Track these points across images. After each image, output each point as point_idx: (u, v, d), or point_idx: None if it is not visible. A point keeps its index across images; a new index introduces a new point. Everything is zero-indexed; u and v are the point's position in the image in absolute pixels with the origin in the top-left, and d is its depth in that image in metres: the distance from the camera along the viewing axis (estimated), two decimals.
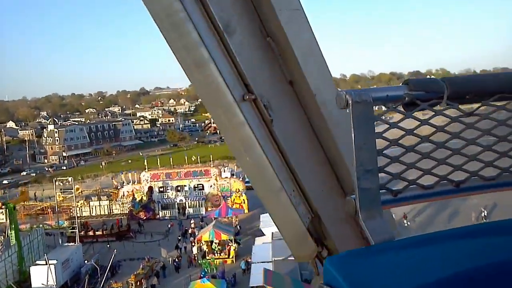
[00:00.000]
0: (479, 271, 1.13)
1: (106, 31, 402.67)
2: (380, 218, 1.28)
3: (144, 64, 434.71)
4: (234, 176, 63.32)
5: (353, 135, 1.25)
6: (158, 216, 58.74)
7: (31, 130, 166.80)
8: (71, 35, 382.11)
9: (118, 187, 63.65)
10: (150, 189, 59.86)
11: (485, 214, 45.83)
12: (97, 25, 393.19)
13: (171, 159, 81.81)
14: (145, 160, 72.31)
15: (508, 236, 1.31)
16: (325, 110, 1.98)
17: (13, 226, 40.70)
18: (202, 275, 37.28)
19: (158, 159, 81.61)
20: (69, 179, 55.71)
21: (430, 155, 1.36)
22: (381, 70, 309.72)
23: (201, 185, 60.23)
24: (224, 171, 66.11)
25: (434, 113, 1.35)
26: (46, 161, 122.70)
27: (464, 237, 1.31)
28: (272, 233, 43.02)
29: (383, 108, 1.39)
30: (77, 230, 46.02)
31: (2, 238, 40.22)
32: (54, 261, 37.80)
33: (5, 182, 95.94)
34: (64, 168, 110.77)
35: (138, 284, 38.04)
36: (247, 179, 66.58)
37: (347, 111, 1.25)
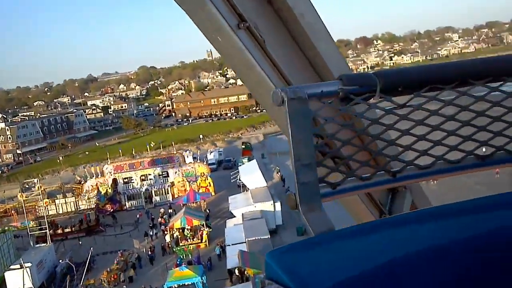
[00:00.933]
0: (408, 260, 1.19)
1: (46, 18, 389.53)
2: (320, 210, 1.34)
3: (89, 50, 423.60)
4: (198, 160, 63.88)
5: (289, 131, 1.32)
6: (125, 207, 58.86)
7: None
8: (8, 25, 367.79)
9: (82, 182, 63.18)
10: (114, 181, 59.80)
11: None
12: (36, 12, 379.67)
13: (133, 149, 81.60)
14: (107, 153, 71.86)
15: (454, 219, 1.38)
16: (303, 21, 2.36)
17: None
18: (178, 263, 38.11)
19: (120, 150, 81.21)
20: (35, 180, 54.92)
21: (367, 147, 1.45)
22: None
23: (165, 172, 60.56)
24: (187, 157, 66.57)
25: (368, 106, 1.43)
26: (0, 160, 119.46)
27: (405, 224, 1.38)
28: (242, 214, 44.24)
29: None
30: (47, 230, 45.79)
31: None
32: (29, 264, 37.78)
33: None
34: (21, 165, 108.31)
35: (112, 279, 38.56)
36: (209, 162, 67.32)
37: (284, 108, 1.31)
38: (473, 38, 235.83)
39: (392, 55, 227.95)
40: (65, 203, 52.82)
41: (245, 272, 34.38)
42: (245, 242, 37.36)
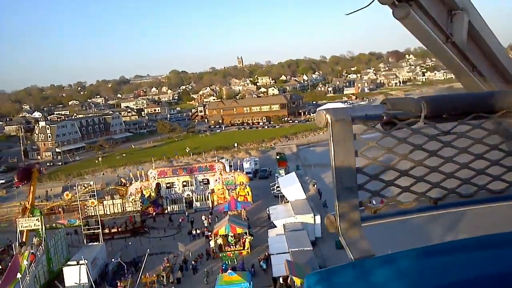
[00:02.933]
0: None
1: (80, 20, 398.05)
2: (360, 235, 1.33)
3: (122, 52, 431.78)
4: (234, 169, 66.13)
5: (332, 153, 1.31)
6: (166, 210, 61.41)
7: (17, 126, 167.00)
8: (45, 26, 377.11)
9: (126, 184, 66.04)
10: (158, 185, 62.47)
11: None
12: (70, 14, 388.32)
13: (176, 155, 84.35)
14: (152, 159, 74.80)
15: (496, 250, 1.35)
16: (489, 40, 2.45)
17: (42, 229, 43.08)
18: (223, 267, 40.28)
19: (164, 156, 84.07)
20: (91, 183, 57.95)
21: (408, 173, 1.43)
22: (360, 51, 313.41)
23: (206, 180, 63.04)
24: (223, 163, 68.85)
25: (412, 131, 1.41)
26: (39, 157, 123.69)
27: (442, 253, 1.36)
28: (284, 224, 46.30)
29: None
30: (100, 229, 48.49)
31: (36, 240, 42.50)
32: (85, 261, 40.44)
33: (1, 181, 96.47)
34: (60, 164, 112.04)
35: (162, 279, 40.95)
36: (246, 172, 69.30)
37: (328, 129, 1.31)
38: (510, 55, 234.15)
39: (425, 70, 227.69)
40: (113, 204, 55.51)
41: (288, 281, 36.45)
42: (289, 253, 39.29)
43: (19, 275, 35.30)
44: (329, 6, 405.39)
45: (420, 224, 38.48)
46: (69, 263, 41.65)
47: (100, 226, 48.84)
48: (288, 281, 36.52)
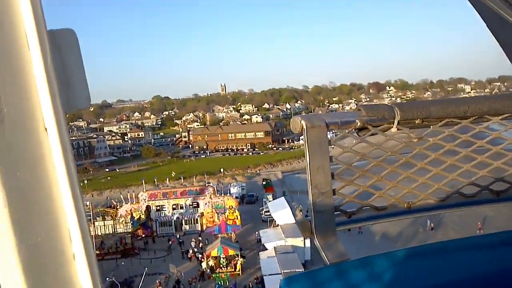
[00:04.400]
0: None
1: None
2: (335, 239, 1.37)
3: (103, 77, 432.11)
4: (221, 193, 67.21)
5: (308, 158, 1.37)
6: (155, 233, 62.05)
7: None
8: None
9: (117, 207, 66.59)
10: (148, 208, 63.20)
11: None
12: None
13: (167, 178, 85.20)
14: (143, 182, 75.52)
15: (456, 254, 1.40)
16: None
17: None
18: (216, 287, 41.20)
19: (156, 179, 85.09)
20: (87, 203, 58.50)
21: (383, 178, 1.47)
22: (341, 81, 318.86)
23: (196, 203, 64.00)
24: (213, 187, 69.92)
25: (386, 137, 1.44)
26: None
27: (413, 256, 1.41)
28: (274, 247, 47.34)
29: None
30: (93, 250, 48.98)
31: None
32: None
33: None
34: None
35: None
36: (243, 193, 70.28)
37: (303, 135, 1.36)
38: (485, 90, 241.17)
39: (405, 102, 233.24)
40: (104, 225, 56.08)
41: None
42: (281, 273, 40.30)
43: None
44: (311, 36, 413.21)
45: (395, 227, 39.56)
46: None
47: (93, 245, 49.32)
48: None
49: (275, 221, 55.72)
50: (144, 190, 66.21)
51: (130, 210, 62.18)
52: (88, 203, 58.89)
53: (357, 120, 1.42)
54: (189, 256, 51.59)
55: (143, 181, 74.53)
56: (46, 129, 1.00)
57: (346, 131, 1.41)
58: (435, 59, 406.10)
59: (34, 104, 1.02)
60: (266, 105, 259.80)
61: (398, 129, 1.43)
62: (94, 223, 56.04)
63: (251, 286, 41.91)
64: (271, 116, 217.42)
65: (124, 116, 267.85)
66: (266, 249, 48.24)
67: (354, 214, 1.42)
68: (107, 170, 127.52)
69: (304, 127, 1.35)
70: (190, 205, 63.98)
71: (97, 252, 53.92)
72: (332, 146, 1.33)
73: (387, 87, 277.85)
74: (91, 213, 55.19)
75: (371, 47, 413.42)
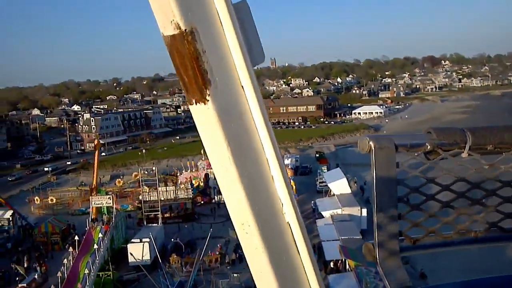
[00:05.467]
0: None
1: (116, 17, 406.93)
2: (398, 265, 1.32)
3: (155, 50, 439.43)
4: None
5: (374, 180, 1.31)
6: (214, 200, 64.39)
7: (58, 118, 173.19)
8: (83, 21, 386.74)
9: (177, 174, 69.29)
10: (206, 176, 65.50)
11: None
12: (107, 11, 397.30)
13: None
14: (202, 152, 77.77)
15: None
16: None
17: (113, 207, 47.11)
18: None
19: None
20: (153, 168, 61.35)
21: (450, 204, 1.41)
22: (395, 55, 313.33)
23: None
24: None
25: (456, 162, 1.38)
26: (83, 148, 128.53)
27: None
28: (331, 215, 48.69)
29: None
30: (160, 213, 51.90)
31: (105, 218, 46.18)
32: (147, 239, 43.58)
33: (47, 169, 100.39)
34: (104, 154, 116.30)
35: (218, 260, 44.16)
36: (296, 165, 71.84)
37: (371, 156, 1.31)
38: None
39: (461, 77, 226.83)
40: (166, 191, 58.59)
41: (338, 264, 39.00)
42: (339, 240, 41.66)
43: (95, 246, 38.55)
44: (363, 7, 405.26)
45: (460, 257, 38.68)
46: (132, 240, 44.84)
47: (159, 209, 52.10)
48: (338, 265, 39.03)
49: (330, 191, 57.00)
50: (203, 159, 68.43)
51: (190, 178, 64.63)
52: (154, 168, 61.48)
53: (427, 144, 1.39)
54: None
55: (202, 151, 76.78)
56: (242, 87, 1.37)
57: (415, 153, 1.39)
58: (493, 32, 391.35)
59: (232, 69, 1.34)
60: (316, 79, 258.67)
61: (469, 155, 1.40)
62: (157, 189, 58.57)
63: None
64: (322, 90, 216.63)
65: (176, 89, 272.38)
66: (323, 217, 49.62)
67: (419, 240, 1.40)
68: (162, 141, 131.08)
69: (373, 148, 1.33)
70: None
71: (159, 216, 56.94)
72: (400, 168, 1.36)
73: (442, 61, 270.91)
74: (156, 179, 57.75)
75: (426, 19, 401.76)
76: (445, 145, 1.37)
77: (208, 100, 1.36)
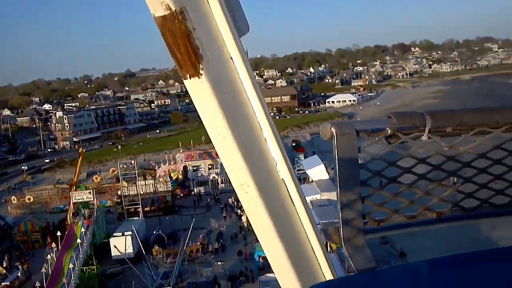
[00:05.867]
0: None
1: (84, 14, 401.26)
2: (363, 247, 1.35)
3: (126, 46, 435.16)
4: None
5: (337, 166, 1.34)
6: (193, 192, 64.65)
7: (29, 117, 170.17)
8: (50, 19, 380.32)
9: (155, 168, 69.25)
10: (185, 168, 65.68)
11: None
12: (74, 7, 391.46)
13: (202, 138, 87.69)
14: (180, 144, 78.00)
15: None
16: None
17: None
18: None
19: (191, 141, 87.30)
20: (132, 161, 61.16)
21: (412, 186, 1.45)
22: (366, 44, 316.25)
23: None
24: None
25: (416, 145, 1.42)
26: (56, 147, 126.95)
27: (450, 265, 1.39)
28: (311, 201, 49.30)
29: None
30: (140, 206, 51.92)
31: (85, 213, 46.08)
32: (130, 232, 43.68)
33: (24, 167, 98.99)
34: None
35: (201, 249, 44.52)
36: None
37: (333, 142, 1.33)
38: None
39: (431, 63, 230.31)
40: (145, 185, 58.62)
41: None
42: (320, 224, 42.36)
43: (79, 240, 38.53)
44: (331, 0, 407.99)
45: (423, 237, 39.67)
46: (115, 234, 44.86)
47: (140, 203, 52.12)
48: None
49: (308, 178, 57.67)
50: (181, 152, 68.61)
51: (168, 171, 64.70)
52: (132, 161, 61.37)
53: (387, 128, 1.43)
54: (223, 215, 53.59)
55: (180, 143, 77.01)
56: (231, 58, 1.49)
57: (376, 138, 1.43)
58: (461, 18, 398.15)
59: (220, 42, 1.46)
60: (289, 70, 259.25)
61: (428, 137, 1.45)
62: (136, 183, 58.54)
63: None
64: (295, 80, 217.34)
65: (148, 84, 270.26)
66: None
67: (383, 221, 1.44)
68: (137, 136, 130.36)
69: (334, 134, 1.36)
70: None
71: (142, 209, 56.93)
72: (361, 153, 1.40)
73: (412, 48, 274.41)
74: (136, 172, 57.70)
75: (396, 7, 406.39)
76: (405, 129, 1.43)
77: (201, 74, 1.50)
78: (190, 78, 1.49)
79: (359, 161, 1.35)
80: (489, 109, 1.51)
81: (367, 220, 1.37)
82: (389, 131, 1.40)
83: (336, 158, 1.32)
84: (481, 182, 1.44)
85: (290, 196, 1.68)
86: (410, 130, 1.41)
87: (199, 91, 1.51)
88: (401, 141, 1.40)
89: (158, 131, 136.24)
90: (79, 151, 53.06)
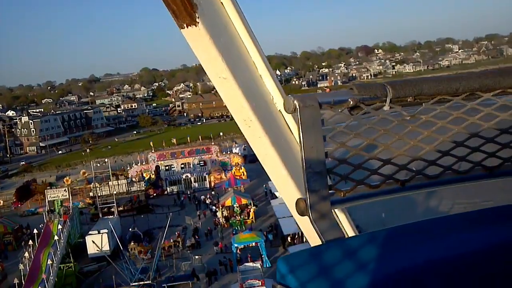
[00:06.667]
0: (416, 269, 1.21)
1: (45, 19, 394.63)
2: (330, 217, 1.36)
3: (89, 51, 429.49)
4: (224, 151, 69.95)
5: (301, 138, 1.33)
6: (166, 191, 64.81)
7: None
8: (9, 24, 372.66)
9: (127, 168, 69.06)
10: (157, 168, 65.83)
11: None
12: (35, 13, 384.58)
13: (175, 140, 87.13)
14: (151, 143, 77.87)
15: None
16: None
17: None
18: (234, 233, 44.16)
19: (164, 142, 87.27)
20: (106, 159, 60.93)
21: (376, 156, 1.45)
22: (330, 46, 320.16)
23: (203, 162, 66.78)
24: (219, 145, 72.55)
25: (379, 115, 1.44)
26: (22, 152, 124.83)
27: (410, 232, 1.43)
28: None
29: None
30: (115, 205, 51.87)
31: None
32: (105, 230, 43.75)
33: None
34: (45, 157, 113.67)
35: (180, 243, 44.93)
36: (245, 153, 73.48)
37: (296, 115, 1.33)
38: (473, 50, 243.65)
39: (394, 64, 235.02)
40: (118, 185, 58.53)
41: (295, 239, 40.92)
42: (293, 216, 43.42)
43: (56, 237, 38.41)
44: (294, 3, 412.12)
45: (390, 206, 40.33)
46: (90, 232, 44.81)
47: (114, 201, 52.09)
48: (295, 239, 41.02)
49: None
50: (153, 151, 68.69)
51: (140, 171, 64.73)
52: (106, 160, 61.25)
53: (349, 99, 1.43)
54: (197, 214, 53.85)
55: (151, 143, 76.97)
56: (222, 3, 1.72)
57: (339, 110, 1.43)
58: (422, 20, 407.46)
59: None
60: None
61: (390, 107, 1.47)
62: (108, 183, 58.44)
63: (266, 236, 43.71)
64: None
65: (114, 89, 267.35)
66: (276, 198, 51.29)
67: (349, 192, 1.44)
68: (105, 140, 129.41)
69: (297, 106, 1.33)
70: (197, 163, 66.71)
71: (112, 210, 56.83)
72: (326, 125, 1.39)
73: (376, 50, 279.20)
74: (109, 171, 57.63)
75: (359, 11, 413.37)
76: (366, 100, 1.44)
77: (198, 22, 1.62)
78: (187, 27, 1.67)
79: (323, 133, 1.37)
80: (448, 78, 1.55)
81: (333, 191, 1.41)
82: (351, 102, 1.43)
83: (300, 130, 1.33)
84: (444, 150, 1.50)
85: (288, 125, 1.93)
86: (372, 101, 1.45)
87: (198, 38, 1.70)
88: (364, 111, 1.43)
89: (135, 132, 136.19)
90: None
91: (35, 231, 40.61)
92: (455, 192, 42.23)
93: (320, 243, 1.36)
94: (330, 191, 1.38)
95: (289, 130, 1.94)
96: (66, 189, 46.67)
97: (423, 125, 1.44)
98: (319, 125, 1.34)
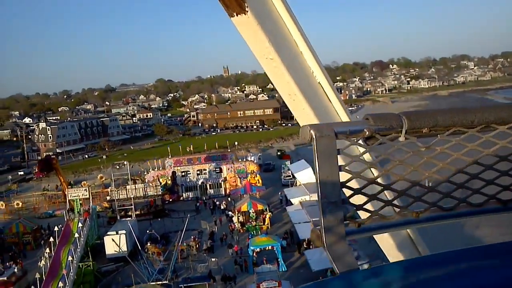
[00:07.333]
0: None
1: (63, 29, 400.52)
2: (345, 248, 1.35)
3: (106, 62, 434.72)
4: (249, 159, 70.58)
5: (317, 168, 1.32)
6: (182, 197, 65.48)
7: (10, 130, 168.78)
8: (27, 34, 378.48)
9: (145, 174, 69.87)
10: (173, 173, 66.56)
11: None
12: (52, 23, 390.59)
13: (191, 147, 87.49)
14: (168, 148, 78.78)
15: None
16: None
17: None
18: (250, 237, 44.59)
19: (180, 149, 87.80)
20: (125, 162, 61.84)
21: (391, 187, 1.45)
22: (344, 61, 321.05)
23: (219, 168, 67.45)
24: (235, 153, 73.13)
25: (394, 146, 1.43)
26: (39, 158, 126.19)
27: (430, 265, 1.39)
28: (300, 202, 50.75)
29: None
30: (132, 208, 52.61)
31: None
32: (124, 231, 44.40)
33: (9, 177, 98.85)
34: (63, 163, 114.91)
35: (197, 246, 45.49)
36: (259, 163, 74.11)
37: (312, 145, 1.32)
38: (488, 66, 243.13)
39: (409, 79, 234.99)
40: (135, 189, 59.23)
41: (311, 244, 41.14)
42: (310, 221, 43.69)
43: (76, 235, 39.13)
44: (312, 16, 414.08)
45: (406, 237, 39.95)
46: (108, 233, 45.49)
47: (132, 204, 52.86)
48: (310, 245, 41.25)
49: (296, 183, 59.21)
50: (170, 157, 69.50)
51: (157, 176, 65.48)
52: (125, 162, 61.99)
53: (365, 130, 1.41)
54: (213, 219, 54.26)
55: (168, 149, 77.87)
56: None
57: (355, 140, 1.41)
58: (438, 37, 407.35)
59: None
60: (270, 86, 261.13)
61: (405, 138, 1.44)
62: (126, 187, 59.19)
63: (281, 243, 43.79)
64: (276, 95, 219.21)
65: (129, 99, 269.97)
66: (292, 204, 51.70)
67: (364, 223, 1.40)
68: (121, 148, 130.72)
69: (314, 136, 1.31)
70: (213, 170, 67.40)
71: (130, 213, 57.51)
72: (341, 155, 1.37)
73: (390, 65, 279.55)
74: (128, 174, 58.44)
75: (374, 26, 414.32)
76: (382, 130, 1.44)
77: (247, 11, 1.72)
78: (237, 15, 1.83)
79: (339, 163, 1.38)
80: (464, 110, 1.55)
81: (348, 222, 1.41)
82: (367, 133, 1.43)
83: (316, 160, 1.34)
84: (458, 182, 1.48)
85: (327, 95, 2.18)
86: (388, 131, 1.45)
87: (247, 25, 1.87)
88: (379, 142, 1.44)
89: (156, 138, 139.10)
90: (53, 161, 55.74)
91: (56, 228, 41.32)
92: (469, 225, 41.94)
93: (336, 273, 1.38)
94: (345, 221, 1.40)
95: (328, 99, 2.22)
96: (87, 189, 47.42)
97: (438, 156, 1.46)
98: (335, 155, 1.35)
